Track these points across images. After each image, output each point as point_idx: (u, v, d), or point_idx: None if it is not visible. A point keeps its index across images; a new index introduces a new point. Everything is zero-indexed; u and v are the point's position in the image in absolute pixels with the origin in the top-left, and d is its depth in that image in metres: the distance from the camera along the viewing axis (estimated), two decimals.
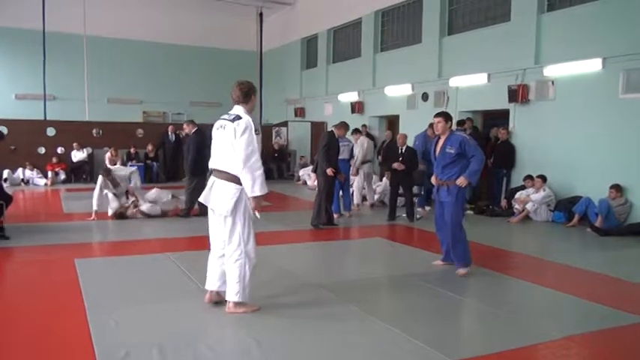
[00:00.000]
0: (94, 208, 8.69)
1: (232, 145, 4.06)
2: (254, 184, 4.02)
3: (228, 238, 4.19)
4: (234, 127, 4.05)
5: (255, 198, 4.09)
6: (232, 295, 4.20)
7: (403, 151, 9.25)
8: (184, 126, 9.75)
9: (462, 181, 5.50)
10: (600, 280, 5.70)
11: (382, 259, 6.75)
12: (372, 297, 4.96)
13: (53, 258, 6.19)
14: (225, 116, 4.22)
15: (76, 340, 3.73)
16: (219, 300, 4.43)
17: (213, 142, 4.29)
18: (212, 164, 4.29)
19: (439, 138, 5.83)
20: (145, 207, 9.10)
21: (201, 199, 4.37)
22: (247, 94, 4.24)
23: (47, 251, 6.52)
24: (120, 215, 8.83)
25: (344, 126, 9.09)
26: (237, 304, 4.23)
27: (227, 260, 4.23)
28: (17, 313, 4.31)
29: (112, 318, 4.10)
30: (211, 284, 4.41)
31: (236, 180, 4.09)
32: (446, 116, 5.77)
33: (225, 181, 4.14)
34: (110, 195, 8.87)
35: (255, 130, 4.08)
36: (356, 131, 11.02)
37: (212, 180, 4.27)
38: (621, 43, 8.74)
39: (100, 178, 8.76)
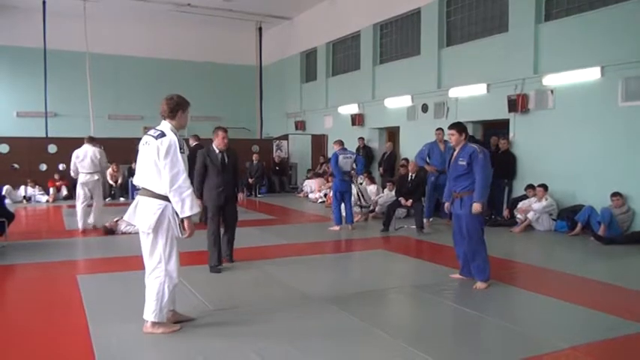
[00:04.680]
0: None
1: (155, 163, 3.95)
2: (183, 206, 3.92)
3: (149, 254, 4.07)
4: (157, 146, 3.94)
5: (187, 218, 4.00)
6: (149, 314, 4.08)
7: (413, 177, 9.55)
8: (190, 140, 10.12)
9: (475, 207, 5.43)
10: (605, 289, 5.67)
11: (385, 271, 6.73)
12: (376, 310, 4.93)
13: (56, 275, 6.19)
14: (151, 132, 4.09)
15: (78, 357, 3.72)
16: (179, 319, 4.34)
17: (138, 158, 4.14)
18: (137, 182, 4.15)
19: (454, 150, 5.77)
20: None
21: (125, 218, 4.27)
22: (173, 109, 4.10)
23: (50, 268, 6.51)
24: (109, 231, 8.85)
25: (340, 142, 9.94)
26: (154, 323, 4.10)
27: (146, 277, 4.10)
28: (21, 330, 4.29)
29: (115, 335, 4.09)
30: None
31: (160, 197, 3.99)
32: (459, 128, 5.69)
33: (149, 197, 4.03)
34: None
35: (181, 149, 3.97)
36: None
37: (137, 198, 4.15)
38: (619, 52, 8.78)
39: None
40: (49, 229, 10.08)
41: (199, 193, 6.28)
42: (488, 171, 5.55)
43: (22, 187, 14.50)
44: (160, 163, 3.93)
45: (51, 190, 14.65)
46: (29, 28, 17.39)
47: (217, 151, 6.47)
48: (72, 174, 9.53)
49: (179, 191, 3.92)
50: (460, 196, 5.60)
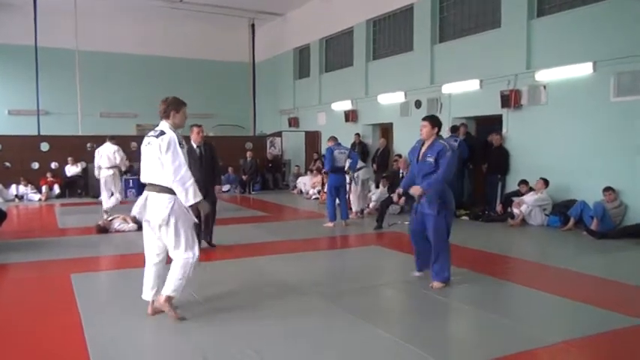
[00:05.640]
0: None
1: (160, 160, 4.21)
2: (187, 194, 4.17)
3: (175, 245, 4.28)
4: (159, 143, 4.21)
5: (191, 206, 4.25)
6: (169, 290, 4.30)
7: (404, 175, 9.54)
8: None
9: (415, 189, 5.25)
10: (598, 283, 5.70)
11: (378, 267, 6.74)
12: (369, 305, 4.94)
13: (49, 274, 6.15)
14: (152, 133, 4.36)
15: (73, 355, 3.70)
16: (157, 309, 4.46)
17: (142, 157, 4.41)
18: (144, 179, 4.41)
19: (423, 144, 5.46)
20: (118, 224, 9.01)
21: (134, 213, 4.45)
22: (166, 110, 4.39)
23: (43, 267, 6.48)
24: (102, 230, 8.82)
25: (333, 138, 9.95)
26: (169, 299, 4.32)
27: (176, 261, 4.31)
28: (14, 329, 4.27)
29: (110, 333, 4.08)
30: (147, 294, 4.48)
31: (169, 191, 4.21)
32: (432, 121, 5.38)
33: (158, 192, 4.26)
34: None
35: (180, 144, 4.25)
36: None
37: (145, 194, 4.37)
38: (611, 47, 8.81)
39: None
40: (42, 227, 10.03)
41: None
42: (452, 169, 5.32)
43: (14, 186, 14.43)
44: (162, 158, 4.19)
45: (43, 188, 14.58)
46: (20, 25, 17.22)
47: (195, 146, 7.06)
48: (95, 171, 10.54)
49: (182, 181, 4.16)
50: (427, 194, 5.34)
